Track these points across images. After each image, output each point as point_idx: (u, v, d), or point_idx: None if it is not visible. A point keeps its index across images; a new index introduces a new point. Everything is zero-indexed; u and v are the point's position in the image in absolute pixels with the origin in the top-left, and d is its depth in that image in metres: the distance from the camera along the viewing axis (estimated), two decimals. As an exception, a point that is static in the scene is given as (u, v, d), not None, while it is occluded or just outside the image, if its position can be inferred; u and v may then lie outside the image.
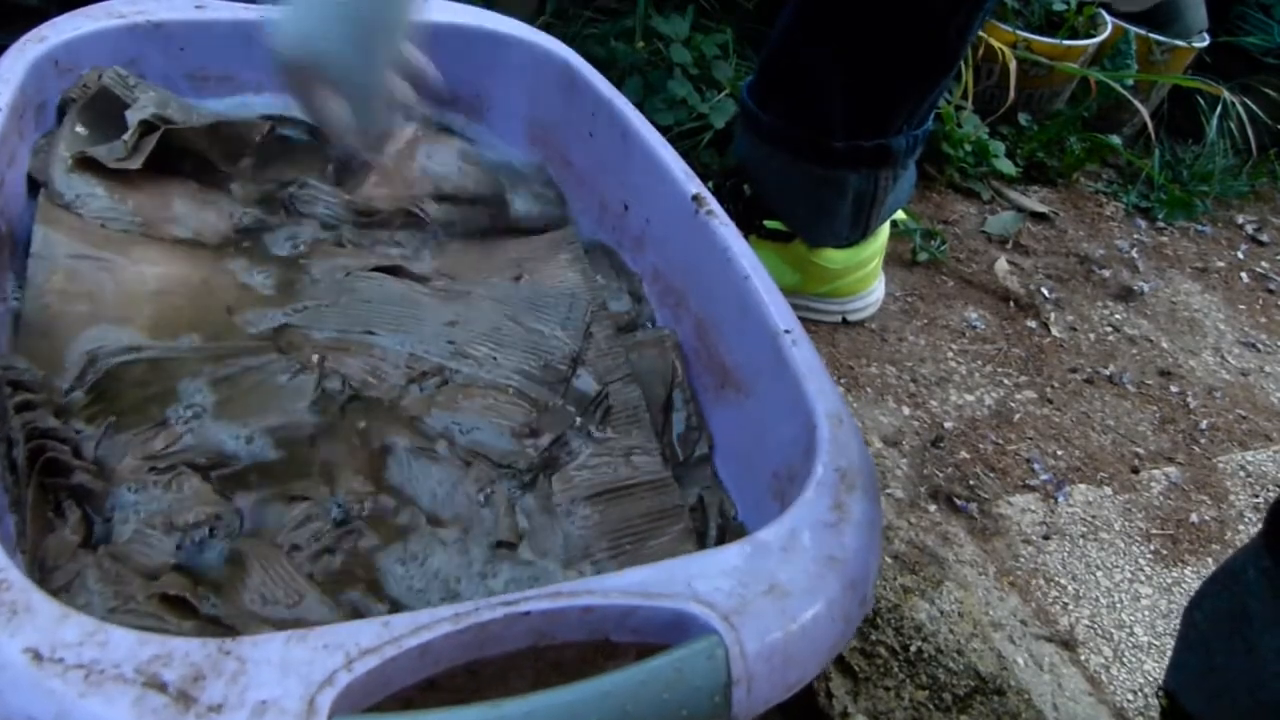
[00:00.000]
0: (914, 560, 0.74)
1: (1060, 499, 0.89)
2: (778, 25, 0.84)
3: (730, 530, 0.56)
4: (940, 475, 0.87)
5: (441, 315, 0.61)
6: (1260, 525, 0.52)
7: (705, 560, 0.41)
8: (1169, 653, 0.63)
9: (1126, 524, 0.88)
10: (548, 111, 0.78)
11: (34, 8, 0.80)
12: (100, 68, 0.66)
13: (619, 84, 0.80)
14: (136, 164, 0.62)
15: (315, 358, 0.56)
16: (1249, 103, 1.49)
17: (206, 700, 0.33)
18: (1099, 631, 0.78)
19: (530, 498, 0.54)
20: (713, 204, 0.63)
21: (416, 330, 0.59)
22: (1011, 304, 1.13)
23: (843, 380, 0.95)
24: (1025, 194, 1.34)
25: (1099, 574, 0.83)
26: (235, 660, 0.34)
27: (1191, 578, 0.84)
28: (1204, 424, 1.03)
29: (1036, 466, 0.91)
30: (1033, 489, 0.89)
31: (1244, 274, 1.33)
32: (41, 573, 0.43)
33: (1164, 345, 1.14)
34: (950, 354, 1.03)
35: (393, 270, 0.64)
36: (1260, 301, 1.28)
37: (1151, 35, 1.43)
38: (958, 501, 0.85)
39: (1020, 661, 0.72)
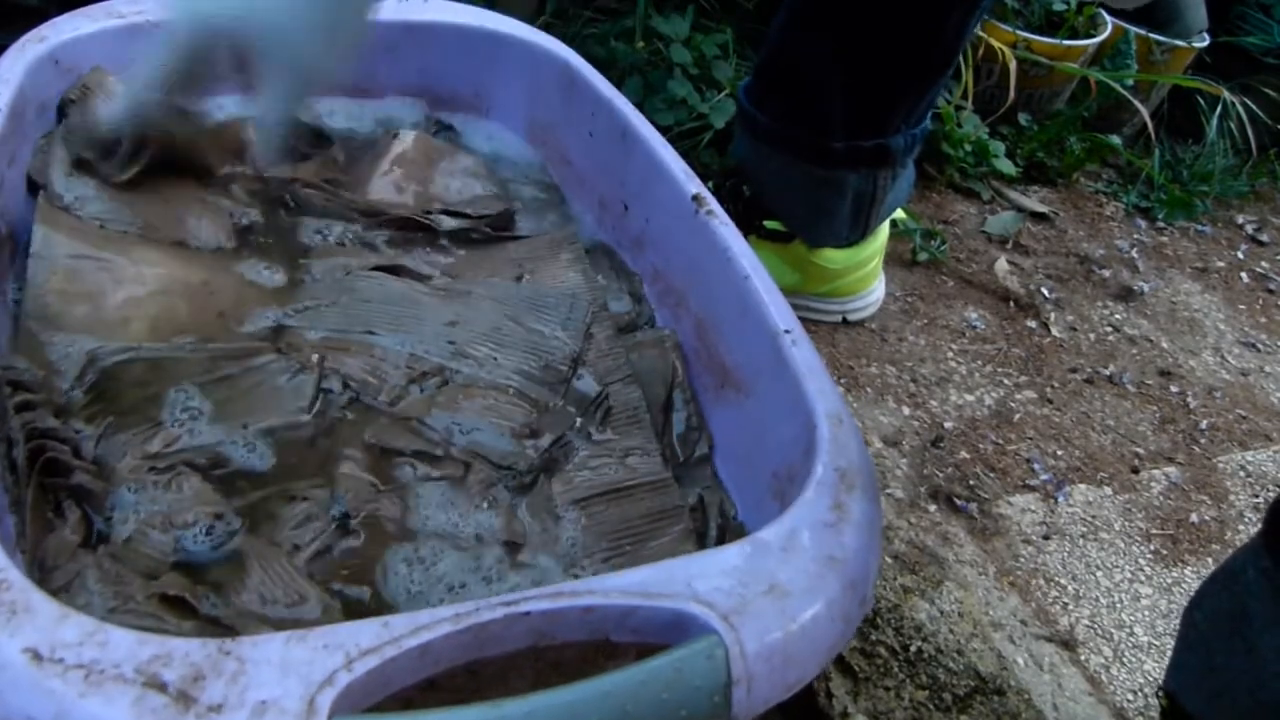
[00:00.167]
0: (914, 560, 0.74)
1: (1060, 499, 0.89)
2: (774, 26, 0.84)
3: (730, 530, 0.56)
4: (940, 475, 0.87)
5: (442, 315, 0.61)
6: (1260, 525, 0.52)
7: (705, 560, 0.41)
8: (1169, 653, 0.63)
9: (1126, 524, 0.88)
10: (547, 111, 0.78)
11: (34, 8, 0.80)
12: (100, 69, 0.66)
13: (619, 84, 0.80)
14: (133, 173, 0.62)
15: (315, 358, 0.56)
16: (1249, 103, 1.49)
17: (206, 700, 0.33)
18: (1099, 631, 0.78)
19: (530, 499, 0.54)
20: (713, 204, 0.63)
21: (417, 330, 0.59)
22: (1011, 304, 1.13)
23: (843, 380, 0.95)
24: (1025, 194, 1.34)
25: (1099, 574, 0.83)
26: (235, 660, 0.34)
27: (1191, 578, 0.84)
28: (1204, 424, 1.03)
29: (1036, 466, 0.91)
30: (1033, 489, 0.89)
31: (1244, 274, 1.33)
32: (41, 573, 0.43)
33: (1164, 345, 1.14)
34: (950, 354, 1.03)
35: (393, 269, 0.64)
36: (1260, 301, 1.28)
37: (1151, 35, 1.43)
38: (958, 501, 0.85)
39: (1020, 661, 0.72)
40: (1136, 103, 1.39)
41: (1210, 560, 0.87)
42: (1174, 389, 1.07)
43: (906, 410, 0.94)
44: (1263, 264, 1.36)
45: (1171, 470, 0.96)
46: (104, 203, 0.61)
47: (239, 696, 0.33)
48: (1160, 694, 0.59)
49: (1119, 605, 0.80)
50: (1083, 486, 0.91)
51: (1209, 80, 1.47)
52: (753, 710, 0.38)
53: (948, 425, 0.93)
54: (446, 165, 0.73)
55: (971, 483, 0.88)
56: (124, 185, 0.62)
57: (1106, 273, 1.24)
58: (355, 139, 0.75)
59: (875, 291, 1.02)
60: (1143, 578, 0.84)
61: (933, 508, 0.84)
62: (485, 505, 0.52)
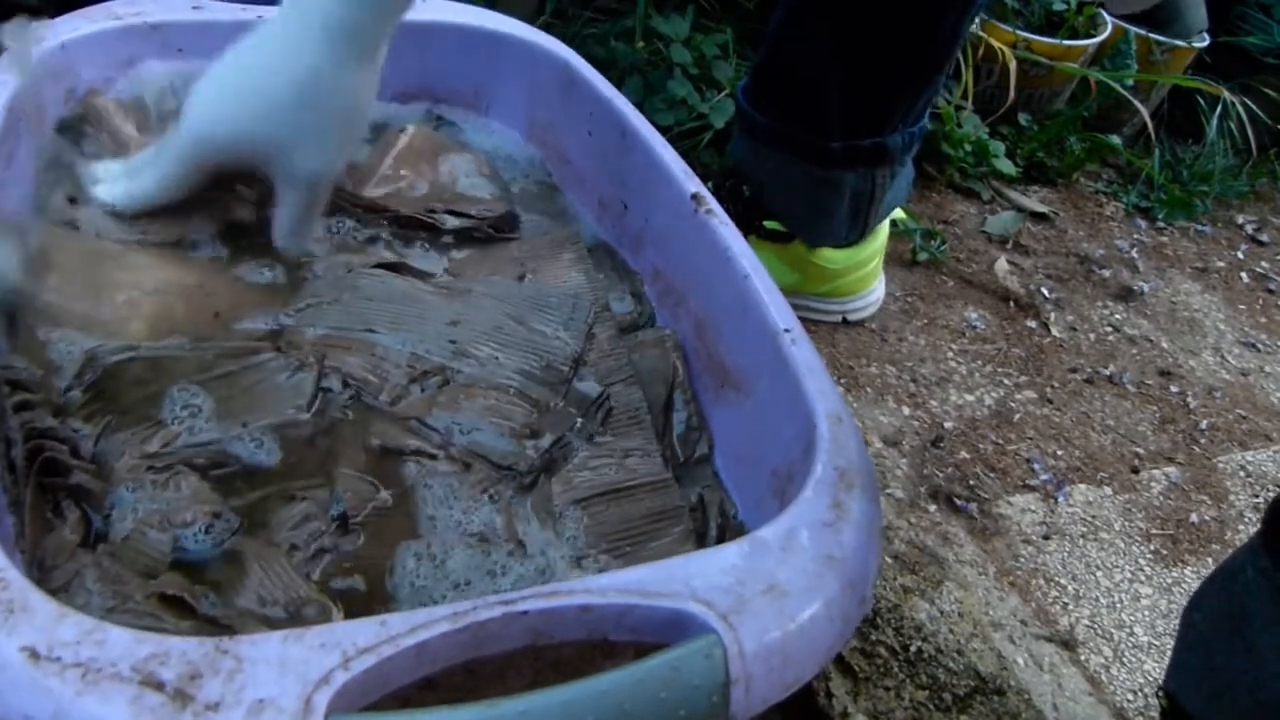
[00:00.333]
0: (914, 560, 0.74)
1: (1060, 499, 0.89)
2: (771, 26, 0.84)
3: (730, 530, 0.56)
4: (940, 475, 0.87)
5: (444, 314, 0.61)
6: (1259, 525, 0.52)
7: (703, 559, 0.41)
8: (1169, 653, 0.63)
9: (1126, 524, 0.88)
10: (547, 110, 0.78)
11: (33, 8, 0.80)
12: (98, 91, 0.66)
13: (619, 84, 0.80)
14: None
15: (314, 356, 0.56)
16: (1249, 103, 1.49)
17: (203, 699, 0.33)
18: (1099, 631, 0.78)
19: (531, 499, 0.54)
20: (712, 203, 0.63)
21: (418, 329, 0.59)
22: (1011, 304, 1.13)
23: (843, 380, 0.95)
24: (1025, 194, 1.34)
25: (1099, 574, 0.83)
26: (232, 659, 0.34)
27: (1191, 578, 0.84)
28: (1204, 424, 1.03)
29: (1036, 466, 0.91)
30: (1033, 489, 0.89)
31: (1244, 274, 1.33)
32: (40, 572, 0.43)
33: (1164, 345, 1.14)
34: (950, 354, 1.03)
35: (395, 267, 0.64)
36: (1260, 301, 1.28)
37: (1151, 35, 1.43)
38: (958, 501, 0.85)
39: (1020, 661, 0.72)
40: (1136, 103, 1.39)
41: (1210, 560, 0.87)
42: (1174, 389, 1.07)
43: (906, 410, 0.94)
44: (1263, 264, 1.36)
45: (1171, 470, 0.96)
46: (106, 222, 0.61)
47: (236, 695, 0.33)
48: (1160, 694, 0.59)
49: (1119, 605, 0.80)
50: (1083, 486, 0.91)
51: (1209, 80, 1.47)
52: (751, 710, 0.38)
53: (948, 425, 0.93)
54: (451, 162, 0.73)
55: (971, 483, 0.88)
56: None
57: (1106, 273, 1.24)
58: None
59: (875, 291, 1.02)
60: (1143, 578, 0.84)
61: (933, 508, 0.84)
62: (486, 505, 0.52)
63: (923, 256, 1.15)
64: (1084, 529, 0.87)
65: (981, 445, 0.92)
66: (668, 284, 0.68)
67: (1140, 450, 0.97)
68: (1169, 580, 0.84)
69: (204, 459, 0.50)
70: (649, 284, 0.70)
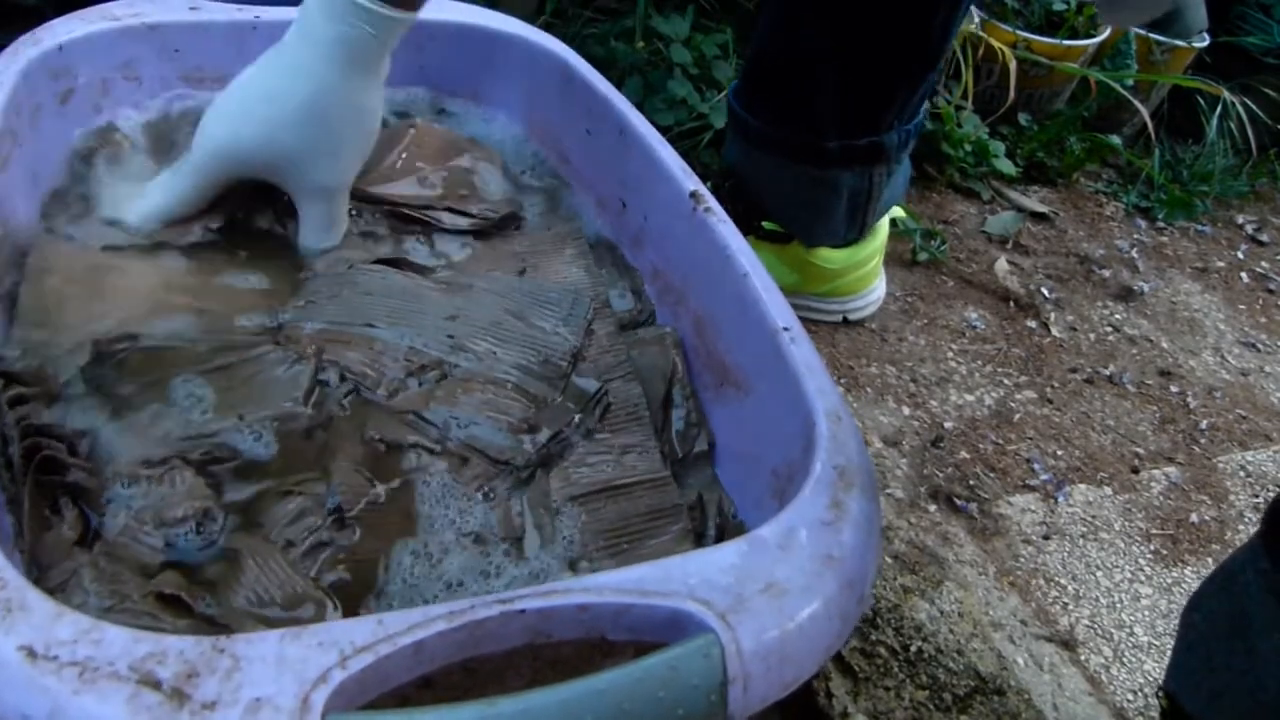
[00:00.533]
0: (914, 560, 0.74)
1: (1060, 499, 0.89)
2: (759, 28, 0.84)
3: (729, 529, 0.56)
4: (940, 475, 0.87)
5: (443, 309, 0.61)
6: (1259, 525, 0.52)
7: (702, 558, 0.41)
8: (1169, 653, 0.63)
9: (1126, 524, 0.88)
10: (546, 109, 0.78)
11: (31, 8, 0.80)
12: (115, 128, 0.66)
13: (619, 84, 0.80)
14: None
15: (312, 349, 0.56)
16: (1249, 103, 1.49)
17: (200, 698, 0.33)
18: (1099, 631, 0.78)
19: (528, 495, 0.53)
20: (711, 201, 0.63)
21: (417, 323, 0.59)
22: (1011, 304, 1.12)
23: (843, 380, 0.95)
24: (1025, 194, 1.34)
25: (1099, 574, 0.83)
26: (229, 658, 0.34)
27: (1191, 578, 0.84)
28: (1204, 424, 1.03)
29: (1036, 466, 0.91)
30: (1033, 489, 0.89)
31: (1244, 274, 1.33)
32: (38, 571, 0.43)
33: (1164, 345, 1.13)
34: (950, 354, 1.03)
35: (395, 262, 0.64)
36: (1260, 301, 1.28)
37: (1151, 35, 1.43)
38: (958, 501, 0.85)
39: (1020, 661, 0.72)
40: (1136, 103, 1.39)
41: (1210, 560, 0.87)
42: (1174, 389, 1.07)
43: (906, 410, 0.94)
44: (1263, 264, 1.36)
45: (1171, 470, 0.95)
46: (108, 234, 0.61)
47: (233, 694, 0.33)
48: (1160, 694, 0.59)
49: (1119, 605, 0.80)
50: (1083, 486, 0.91)
51: (1209, 80, 1.47)
52: (749, 709, 0.38)
53: (948, 425, 0.93)
54: (460, 157, 0.73)
55: (971, 483, 0.88)
56: None
57: (1106, 273, 1.23)
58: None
59: (875, 291, 1.02)
60: (1143, 578, 0.83)
61: (933, 508, 0.84)
62: (482, 500, 0.52)
63: (923, 256, 1.15)
64: (1084, 529, 0.86)
65: (981, 445, 0.92)
66: (667, 282, 0.67)
67: (1140, 450, 0.97)
68: (1169, 580, 0.84)
69: (200, 453, 0.49)
70: (648, 282, 0.70)
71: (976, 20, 1.32)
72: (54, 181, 0.63)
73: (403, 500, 0.51)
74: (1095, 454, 0.95)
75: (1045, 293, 1.16)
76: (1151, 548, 0.87)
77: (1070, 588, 0.81)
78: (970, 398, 0.98)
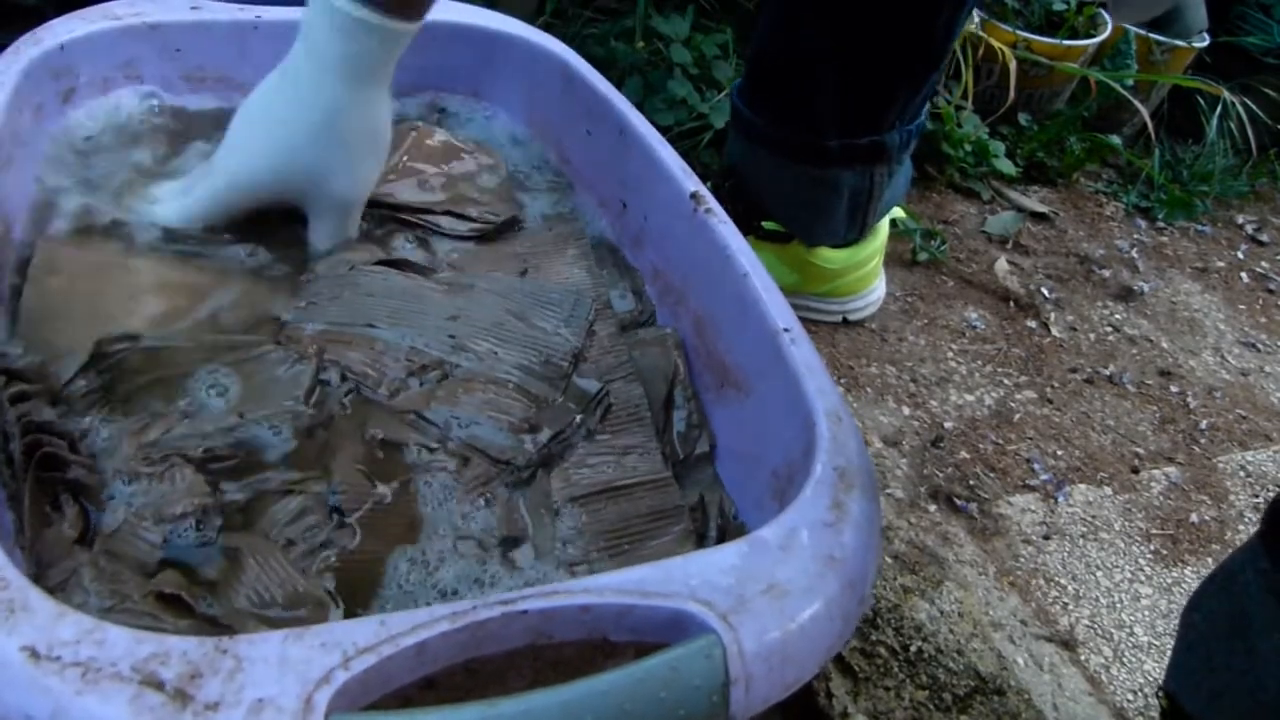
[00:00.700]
0: (914, 560, 0.74)
1: (1060, 499, 0.89)
2: (760, 27, 0.84)
3: (731, 530, 0.56)
4: (940, 475, 0.87)
5: (444, 309, 0.61)
6: (1258, 525, 0.52)
7: (703, 559, 0.41)
8: (1169, 653, 0.63)
9: (1126, 524, 0.88)
10: (546, 110, 0.78)
11: (32, 8, 0.80)
12: (136, 176, 0.67)
13: (619, 84, 0.80)
14: None
15: (313, 349, 0.56)
16: (1249, 103, 1.49)
17: (203, 698, 0.33)
18: (1099, 631, 0.78)
19: (529, 494, 0.53)
20: (711, 201, 0.63)
21: (418, 324, 0.59)
22: (1011, 304, 1.13)
23: (843, 380, 0.95)
24: (1025, 194, 1.34)
25: (1099, 574, 0.83)
26: (232, 658, 0.34)
27: (1191, 578, 0.84)
28: (1204, 424, 1.03)
29: (1036, 466, 0.91)
30: (1033, 489, 0.89)
31: (1244, 274, 1.33)
32: (38, 569, 0.43)
33: (1164, 345, 1.14)
34: (950, 354, 1.03)
35: (397, 264, 0.64)
36: (1260, 301, 1.28)
37: (1151, 35, 1.43)
38: (958, 501, 0.85)
39: (1020, 661, 0.72)
40: (1136, 103, 1.40)
41: (1210, 560, 0.87)
42: (1174, 389, 1.07)
43: (906, 410, 0.94)
44: (1263, 264, 1.36)
45: (1171, 470, 0.96)
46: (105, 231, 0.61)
47: (236, 695, 0.33)
48: (1160, 694, 0.59)
49: (1119, 605, 0.80)
50: (1083, 486, 0.91)
51: (1209, 80, 1.47)
52: (751, 709, 0.38)
53: (948, 425, 0.93)
54: (461, 158, 0.73)
55: (971, 483, 0.88)
56: None
57: (1106, 273, 1.24)
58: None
59: (875, 291, 1.02)
60: (1143, 578, 0.84)
61: (933, 508, 0.84)
62: (483, 501, 0.52)
63: (923, 256, 1.15)
64: (1084, 529, 0.87)
65: (981, 445, 0.92)
66: (667, 282, 0.67)
67: (1140, 450, 0.97)
68: (1169, 580, 0.84)
69: (200, 452, 0.49)
70: (649, 282, 0.70)
71: (976, 20, 1.32)
72: (56, 181, 0.63)
73: (403, 500, 0.51)
74: (1095, 454, 0.95)
75: (1045, 293, 1.16)
76: (1151, 548, 0.87)
77: (1070, 588, 0.81)
78: (970, 398, 0.98)
